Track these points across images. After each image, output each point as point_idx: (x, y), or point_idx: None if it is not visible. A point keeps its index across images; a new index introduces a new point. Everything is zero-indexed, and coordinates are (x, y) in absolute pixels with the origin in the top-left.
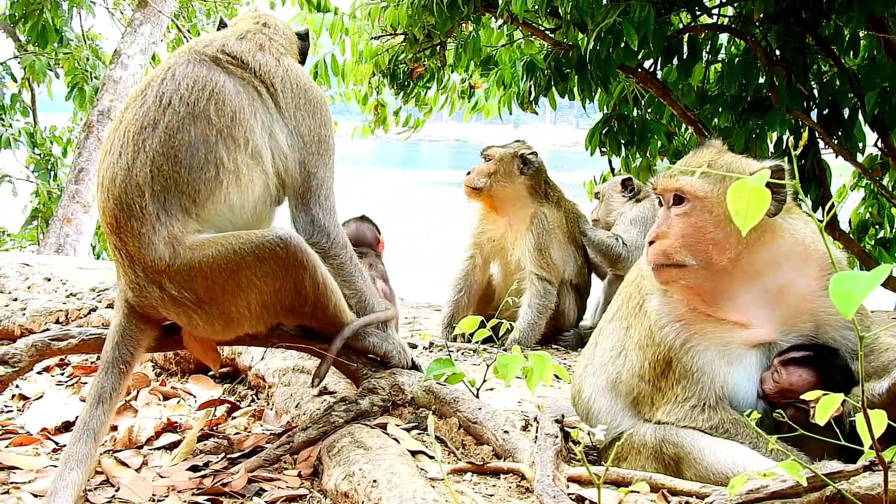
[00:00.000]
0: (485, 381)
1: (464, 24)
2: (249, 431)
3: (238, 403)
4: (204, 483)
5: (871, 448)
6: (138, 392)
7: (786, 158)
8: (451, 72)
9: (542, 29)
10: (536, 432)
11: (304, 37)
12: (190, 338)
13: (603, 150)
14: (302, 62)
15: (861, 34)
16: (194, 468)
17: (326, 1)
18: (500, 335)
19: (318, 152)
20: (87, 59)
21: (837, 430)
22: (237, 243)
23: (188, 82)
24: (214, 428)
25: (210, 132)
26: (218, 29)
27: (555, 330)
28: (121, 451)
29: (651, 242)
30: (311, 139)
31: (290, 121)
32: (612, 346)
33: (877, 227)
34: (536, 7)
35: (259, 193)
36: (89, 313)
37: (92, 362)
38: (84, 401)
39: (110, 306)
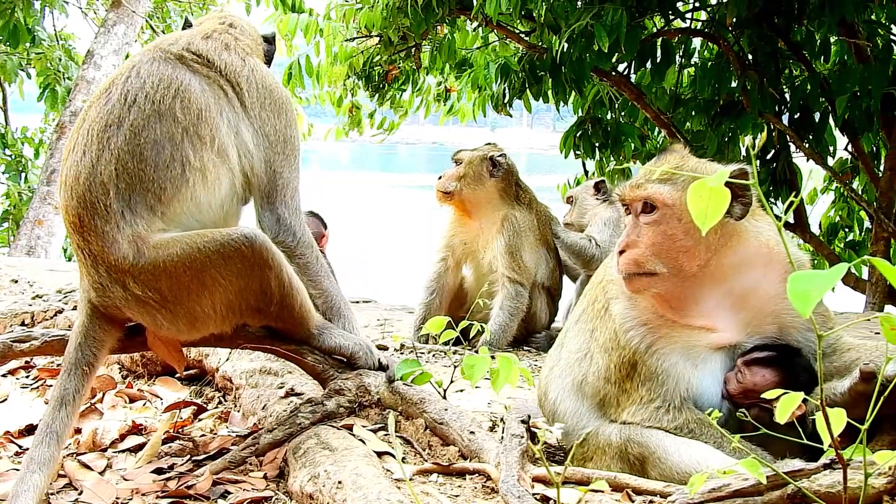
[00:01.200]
0: (452, 381)
1: (438, 27)
2: (215, 433)
3: (204, 405)
4: (168, 485)
5: (830, 446)
6: (104, 394)
7: (757, 161)
8: (426, 74)
9: (517, 31)
10: (502, 433)
11: (270, 39)
12: (154, 338)
13: (577, 153)
14: (267, 64)
15: (832, 39)
16: (159, 471)
17: (301, 2)
18: (471, 337)
19: (284, 152)
20: (60, 60)
21: (800, 429)
22: (202, 242)
23: (153, 80)
24: (180, 430)
25: (176, 130)
26: (183, 28)
27: (526, 332)
28: (84, 453)
29: (621, 252)
30: (277, 139)
31: (256, 120)
32: (578, 347)
33: (846, 229)
34: (511, 10)
35: (226, 192)
36: (55, 315)
37: (57, 365)
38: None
39: (77, 308)
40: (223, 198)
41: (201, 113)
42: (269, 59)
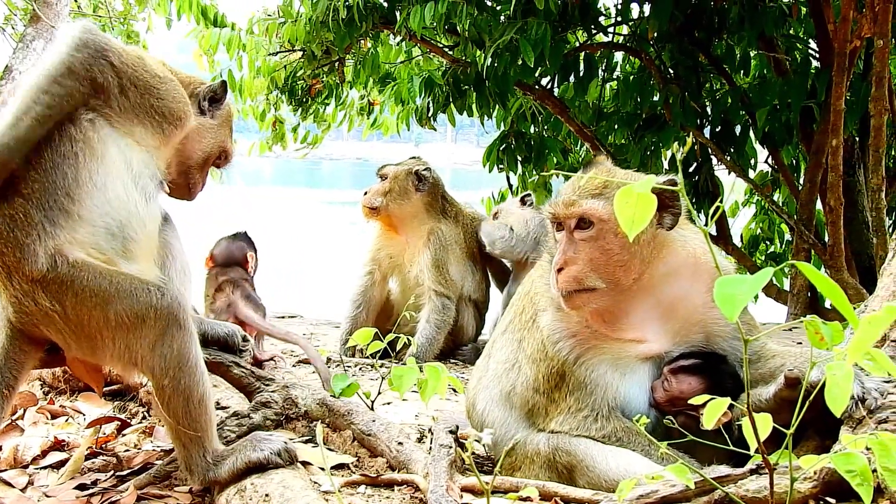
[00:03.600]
0: (380, 393)
1: (362, 41)
2: (139, 448)
3: (128, 421)
4: (92, 501)
5: (757, 452)
6: (25, 411)
7: (680, 173)
8: (350, 88)
9: (441, 46)
10: (431, 443)
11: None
12: (73, 357)
13: (500, 166)
14: (211, 105)
15: (752, 53)
16: (82, 487)
17: (223, 17)
18: (397, 350)
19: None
20: None
21: (726, 436)
22: (118, 276)
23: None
24: (103, 446)
25: (73, 131)
26: None
27: (453, 344)
28: (5, 470)
29: (559, 270)
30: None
31: (134, 93)
32: (506, 358)
33: (767, 242)
34: (434, 24)
35: (121, 167)
36: None
37: None
38: None
39: None
40: (122, 177)
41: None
42: (200, 102)
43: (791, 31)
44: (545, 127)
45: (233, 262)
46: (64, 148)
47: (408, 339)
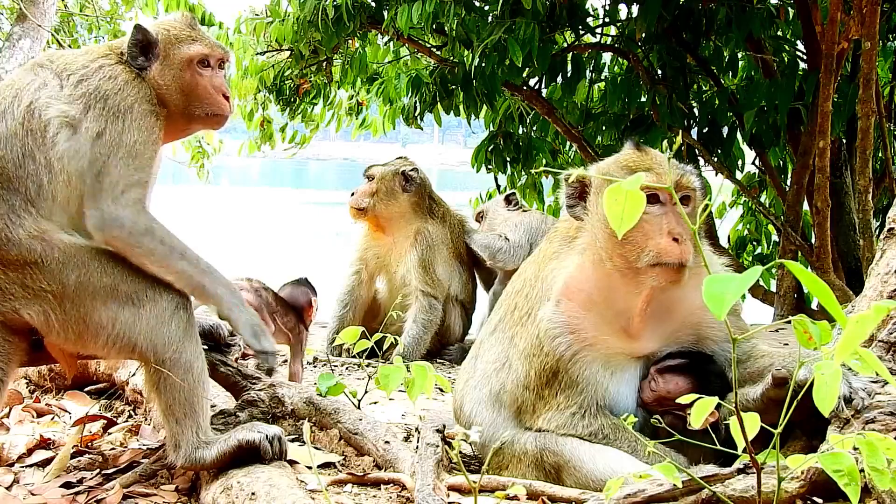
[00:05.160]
0: (366, 392)
1: (350, 41)
2: (125, 447)
3: (114, 419)
4: (77, 500)
5: (744, 451)
6: (10, 409)
7: (670, 172)
8: (338, 88)
9: (428, 45)
10: (418, 442)
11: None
12: (51, 341)
13: (489, 167)
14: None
15: (740, 55)
16: (68, 485)
17: (211, 15)
18: (384, 349)
19: (117, 153)
20: None
21: (714, 435)
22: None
23: (3, 86)
24: (89, 444)
25: (16, 128)
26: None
27: (440, 344)
28: None
29: (676, 240)
30: (111, 141)
31: (91, 121)
32: (496, 357)
33: (754, 243)
34: (422, 23)
35: (75, 188)
36: None
37: None
38: None
39: None
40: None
41: (34, 112)
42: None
43: (779, 33)
44: (533, 127)
45: (295, 306)
46: (28, 168)
47: (394, 338)
